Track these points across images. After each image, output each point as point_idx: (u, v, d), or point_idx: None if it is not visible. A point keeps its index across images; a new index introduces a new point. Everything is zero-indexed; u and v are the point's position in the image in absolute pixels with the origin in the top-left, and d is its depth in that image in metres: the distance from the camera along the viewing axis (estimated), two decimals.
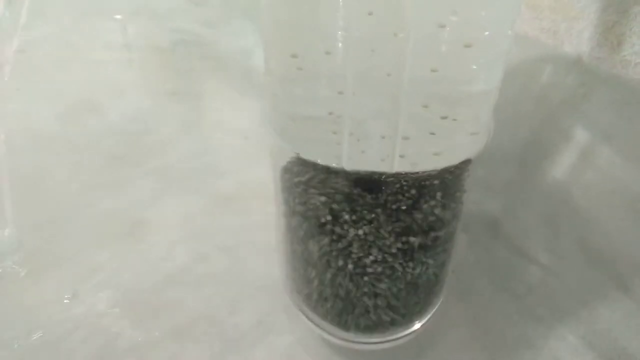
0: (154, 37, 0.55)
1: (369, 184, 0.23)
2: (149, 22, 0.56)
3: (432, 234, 0.24)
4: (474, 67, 0.20)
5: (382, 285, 0.25)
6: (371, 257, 0.24)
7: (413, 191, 0.23)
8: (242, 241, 0.36)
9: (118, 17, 0.53)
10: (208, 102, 0.52)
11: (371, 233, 0.23)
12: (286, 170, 0.26)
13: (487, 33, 0.19)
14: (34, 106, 0.47)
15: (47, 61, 0.51)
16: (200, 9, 0.62)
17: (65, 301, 0.30)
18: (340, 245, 0.24)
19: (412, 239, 0.24)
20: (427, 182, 0.23)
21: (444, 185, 0.24)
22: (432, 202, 0.24)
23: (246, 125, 0.48)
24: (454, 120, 0.21)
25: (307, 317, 0.28)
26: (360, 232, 0.23)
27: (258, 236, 0.36)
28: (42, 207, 0.36)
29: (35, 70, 0.50)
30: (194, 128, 0.48)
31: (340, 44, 0.19)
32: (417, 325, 0.27)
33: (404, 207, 0.23)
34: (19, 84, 0.48)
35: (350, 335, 0.27)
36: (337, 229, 0.24)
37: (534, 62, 0.34)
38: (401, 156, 0.21)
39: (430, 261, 0.25)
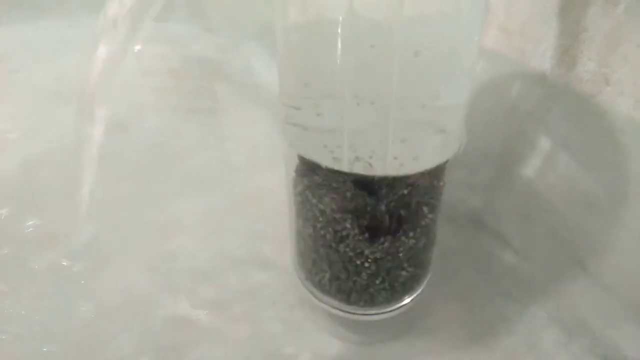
0: (170, 62, 0.60)
1: (365, 183, 0.26)
2: (165, 48, 0.60)
3: (419, 222, 0.28)
4: (443, 88, 0.24)
5: (377, 267, 0.28)
6: (368, 244, 0.27)
7: (402, 188, 0.26)
8: (256, 235, 0.39)
9: (137, 47, 0.58)
10: (220, 117, 0.55)
11: (367, 223, 0.27)
12: (296, 172, 0.29)
13: (451, 66, 0.23)
14: (68, 125, 0.51)
15: (77, 88, 0.56)
16: (211, 34, 0.66)
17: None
18: (342, 234, 0.27)
19: (401, 227, 0.27)
20: (413, 181, 0.26)
21: (426, 183, 0.27)
22: (418, 197, 0.27)
23: (254, 137, 0.52)
24: (431, 130, 0.25)
25: (314, 295, 0.31)
26: (358, 223, 0.27)
27: (269, 230, 0.40)
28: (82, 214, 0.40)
29: (68, 96, 0.54)
30: (208, 140, 0.51)
31: (341, 73, 0.23)
32: (407, 300, 0.30)
33: (394, 201, 0.26)
34: (53, 107, 0.53)
35: (351, 308, 0.30)
36: (339, 220, 0.27)
37: (505, 78, 0.38)
38: (390, 160, 0.24)
39: (418, 245, 0.29)
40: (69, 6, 0.73)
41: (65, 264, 0.36)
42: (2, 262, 0.36)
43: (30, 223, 0.39)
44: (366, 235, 0.27)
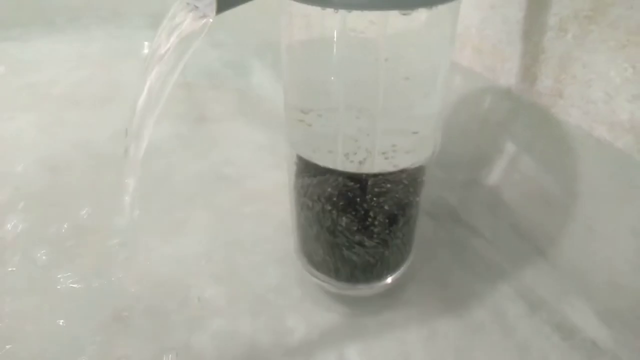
0: (180, 75, 0.63)
1: (356, 180, 0.29)
2: None
3: (402, 212, 0.31)
4: (420, 101, 0.28)
5: (365, 250, 0.32)
6: (358, 230, 0.31)
7: (387, 183, 0.30)
8: (262, 226, 0.42)
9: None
10: (227, 125, 0.58)
11: (358, 214, 0.30)
12: (297, 170, 0.32)
13: (426, 89, 0.27)
14: (91, 131, 0.55)
15: (93, 98, 0.60)
16: (216, 50, 0.70)
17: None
18: (335, 223, 0.31)
19: (387, 217, 0.31)
20: (396, 178, 0.30)
21: (408, 179, 0.31)
22: (401, 191, 0.31)
23: (258, 142, 0.55)
24: (410, 135, 0.28)
25: (312, 274, 0.35)
26: (350, 214, 0.30)
27: (275, 221, 0.43)
28: (105, 209, 0.43)
29: (86, 105, 0.59)
30: (217, 145, 0.54)
31: (337, 88, 0.25)
32: (390, 280, 0.34)
33: (380, 194, 0.30)
34: (72, 115, 0.57)
35: (344, 285, 0.34)
36: (334, 212, 0.30)
37: (478, 93, 0.41)
38: (378, 160, 0.27)
39: (400, 232, 0.32)
40: (83, 22, 0.78)
41: (111, 251, 0.40)
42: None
43: (61, 219, 0.43)
44: (356, 224, 0.31)
